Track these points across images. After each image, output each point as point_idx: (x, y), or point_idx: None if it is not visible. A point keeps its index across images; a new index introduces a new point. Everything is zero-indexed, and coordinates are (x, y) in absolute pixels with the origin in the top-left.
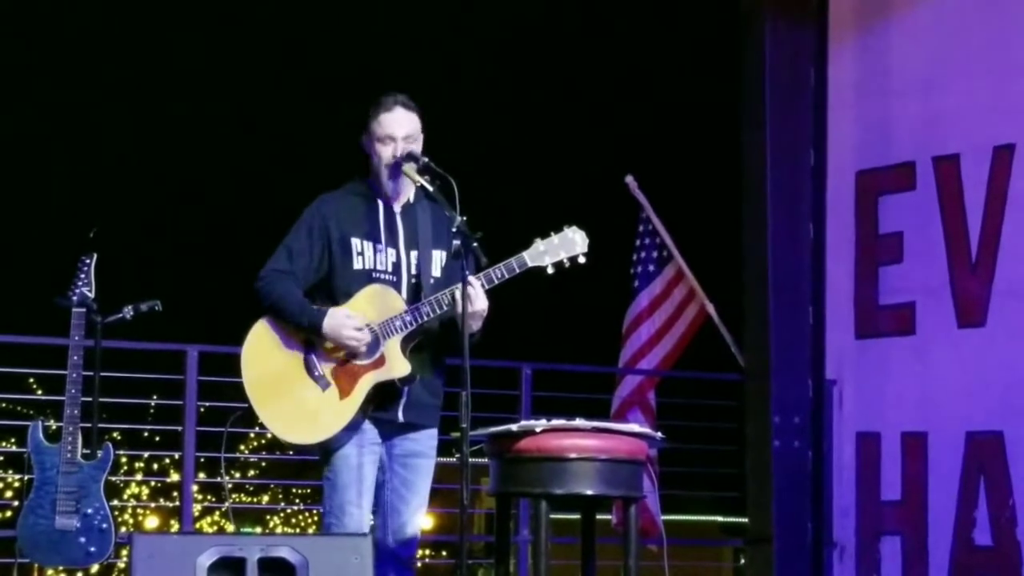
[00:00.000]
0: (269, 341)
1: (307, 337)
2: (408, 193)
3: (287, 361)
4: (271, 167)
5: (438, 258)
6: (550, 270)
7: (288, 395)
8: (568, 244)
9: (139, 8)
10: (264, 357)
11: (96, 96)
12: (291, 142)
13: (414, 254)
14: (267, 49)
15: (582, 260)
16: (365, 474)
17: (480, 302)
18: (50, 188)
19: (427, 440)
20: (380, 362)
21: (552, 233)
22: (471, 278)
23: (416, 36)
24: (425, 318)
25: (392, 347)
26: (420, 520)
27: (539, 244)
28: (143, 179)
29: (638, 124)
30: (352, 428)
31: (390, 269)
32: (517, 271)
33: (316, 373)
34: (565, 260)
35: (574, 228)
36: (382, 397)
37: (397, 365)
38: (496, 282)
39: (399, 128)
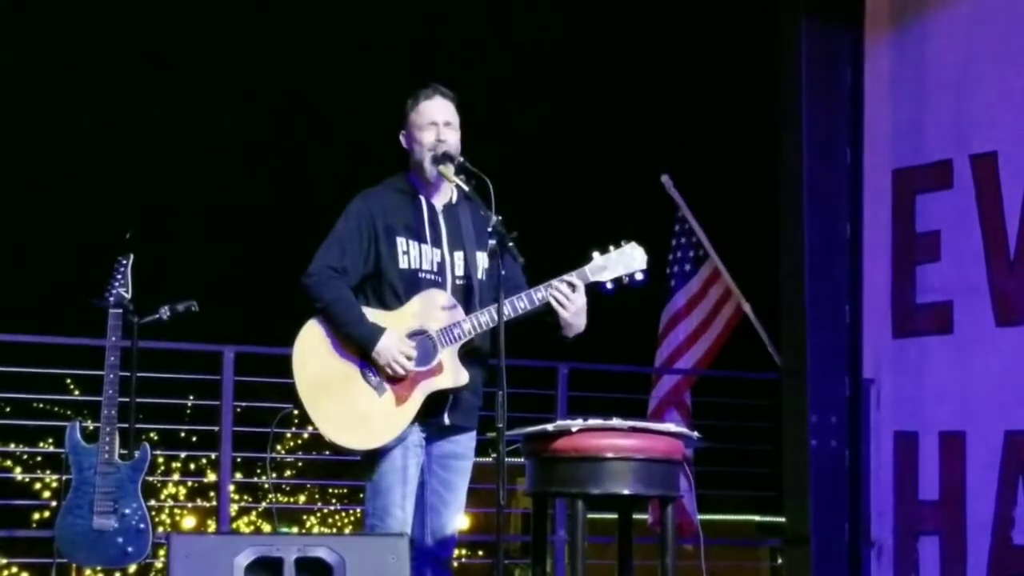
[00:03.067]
0: (323, 341)
1: None
2: (449, 192)
3: (342, 363)
4: (308, 167)
5: (481, 260)
6: (609, 286)
7: (343, 398)
8: (627, 260)
9: (175, 10)
10: (318, 357)
11: (132, 97)
12: (328, 142)
13: (459, 255)
14: (304, 48)
15: (640, 277)
16: (409, 477)
17: (575, 303)
18: (87, 189)
19: (467, 442)
20: (437, 369)
21: (611, 247)
22: (565, 277)
23: (452, 35)
24: (484, 327)
25: (449, 355)
26: (458, 521)
27: (598, 259)
28: (179, 180)
29: (674, 123)
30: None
31: (435, 269)
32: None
33: (372, 378)
34: (624, 277)
35: (633, 244)
36: (431, 401)
37: (456, 374)
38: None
39: (440, 113)
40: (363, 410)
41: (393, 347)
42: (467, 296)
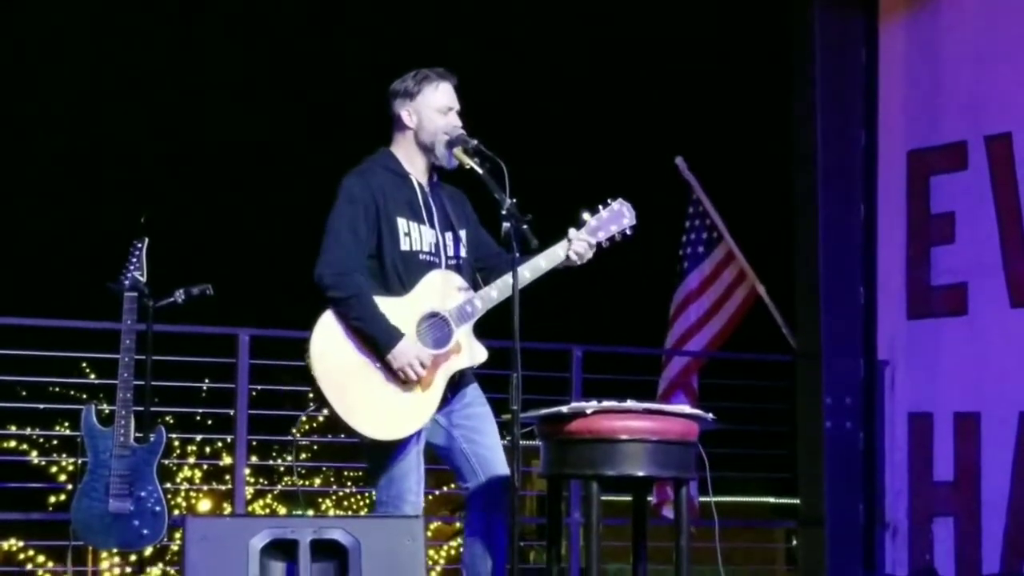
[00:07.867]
0: (341, 333)
1: None
2: (428, 172)
3: (363, 354)
4: (321, 150)
5: (463, 239)
6: (605, 245)
7: (368, 389)
8: (617, 217)
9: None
10: (337, 350)
11: (146, 80)
12: (340, 125)
13: (449, 235)
14: (311, 33)
15: (629, 232)
16: (420, 461)
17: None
18: (101, 173)
19: (473, 392)
20: (455, 350)
21: (600, 207)
22: (582, 236)
23: (458, 11)
24: (496, 302)
25: (465, 333)
26: (503, 458)
27: (591, 220)
28: (194, 163)
29: (688, 105)
30: None
31: (432, 250)
32: None
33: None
34: (617, 234)
35: (620, 200)
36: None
37: (476, 351)
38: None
39: (455, 100)
40: (390, 399)
41: (409, 353)
42: (462, 277)
